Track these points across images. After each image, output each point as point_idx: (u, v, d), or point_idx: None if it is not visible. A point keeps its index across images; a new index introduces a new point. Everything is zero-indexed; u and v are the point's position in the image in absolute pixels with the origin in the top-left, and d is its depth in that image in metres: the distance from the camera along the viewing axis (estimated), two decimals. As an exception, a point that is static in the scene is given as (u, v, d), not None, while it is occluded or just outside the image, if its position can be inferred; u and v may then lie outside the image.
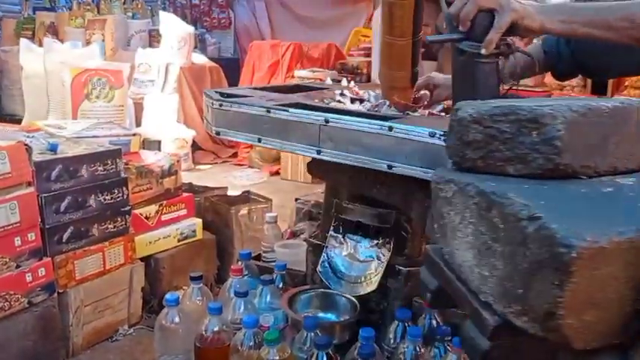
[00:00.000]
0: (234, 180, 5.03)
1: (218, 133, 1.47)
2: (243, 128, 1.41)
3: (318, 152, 1.28)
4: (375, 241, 1.42)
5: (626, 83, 3.67)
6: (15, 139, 2.05)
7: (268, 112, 1.35)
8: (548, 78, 3.60)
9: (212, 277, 2.76)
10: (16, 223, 1.95)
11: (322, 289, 1.47)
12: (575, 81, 3.77)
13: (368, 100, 1.58)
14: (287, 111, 1.33)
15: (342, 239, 1.45)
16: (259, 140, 1.38)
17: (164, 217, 2.60)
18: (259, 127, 1.37)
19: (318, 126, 1.27)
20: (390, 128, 1.17)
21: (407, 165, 1.17)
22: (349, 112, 1.33)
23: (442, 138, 1.11)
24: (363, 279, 1.40)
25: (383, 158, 1.20)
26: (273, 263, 1.66)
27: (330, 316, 1.45)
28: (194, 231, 2.70)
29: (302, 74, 5.22)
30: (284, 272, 1.57)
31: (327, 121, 1.25)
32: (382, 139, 1.19)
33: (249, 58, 6.05)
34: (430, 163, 1.14)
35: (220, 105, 1.45)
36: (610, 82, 3.70)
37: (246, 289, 1.42)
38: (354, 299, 1.41)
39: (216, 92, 1.53)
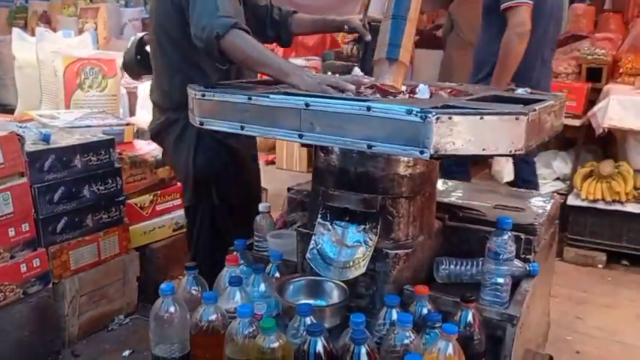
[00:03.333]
0: (230, 169, 5.03)
1: (202, 124, 1.48)
2: (225, 117, 1.42)
3: (300, 136, 1.29)
4: (362, 226, 1.43)
5: (621, 71, 3.65)
6: (7, 129, 2.05)
7: (249, 99, 1.36)
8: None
9: (207, 266, 2.78)
10: (9, 214, 1.96)
11: (312, 277, 1.48)
12: (571, 68, 3.76)
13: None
14: (268, 97, 1.34)
15: (329, 226, 1.47)
16: (242, 128, 1.39)
17: (159, 207, 2.61)
18: (241, 115, 1.38)
19: (298, 110, 1.28)
20: (369, 108, 1.19)
21: (386, 144, 1.18)
22: (328, 96, 1.34)
23: (419, 115, 1.12)
24: (351, 263, 1.42)
25: (363, 138, 1.21)
26: (266, 253, 1.67)
27: (320, 302, 1.46)
28: (189, 220, 2.71)
29: (296, 63, 5.20)
30: (279, 262, 1.58)
31: (307, 105, 1.27)
32: (361, 120, 1.20)
33: (243, 46, 6.00)
34: (409, 140, 1.15)
35: (203, 95, 1.45)
36: (604, 69, 3.69)
37: (241, 279, 1.43)
38: (343, 284, 1.42)
39: (199, 85, 1.55)
